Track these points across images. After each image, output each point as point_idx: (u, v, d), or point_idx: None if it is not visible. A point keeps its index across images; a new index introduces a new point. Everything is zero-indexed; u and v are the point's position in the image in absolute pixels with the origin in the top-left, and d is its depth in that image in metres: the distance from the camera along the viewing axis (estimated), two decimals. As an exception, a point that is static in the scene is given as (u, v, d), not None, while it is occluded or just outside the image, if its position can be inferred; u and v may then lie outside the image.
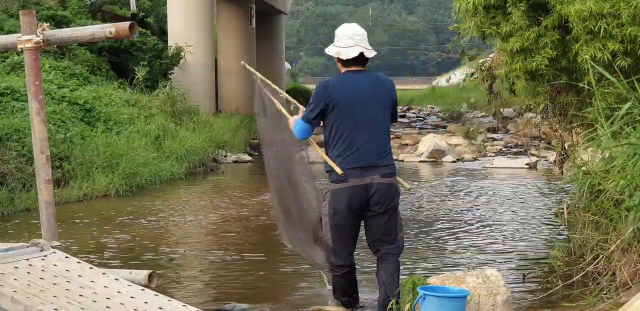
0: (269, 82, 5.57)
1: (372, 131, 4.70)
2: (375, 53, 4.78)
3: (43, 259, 3.61)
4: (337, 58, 4.78)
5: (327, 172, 4.76)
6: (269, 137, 5.57)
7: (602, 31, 6.03)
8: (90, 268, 3.64)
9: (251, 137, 18.75)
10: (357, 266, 5.00)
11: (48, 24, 4.05)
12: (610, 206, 5.17)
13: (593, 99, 6.17)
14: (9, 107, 11.24)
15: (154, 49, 18.08)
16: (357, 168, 4.63)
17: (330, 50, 4.79)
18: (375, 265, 4.90)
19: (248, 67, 6.03)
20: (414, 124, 33.87)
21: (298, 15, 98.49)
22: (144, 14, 22.96)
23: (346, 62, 4.75)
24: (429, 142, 17.21)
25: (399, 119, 33.98)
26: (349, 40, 4.71)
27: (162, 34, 21.40)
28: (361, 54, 4.69)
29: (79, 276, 3.50)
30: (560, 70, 6.67)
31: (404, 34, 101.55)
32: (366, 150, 4.66)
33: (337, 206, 4.69)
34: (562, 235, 7.19)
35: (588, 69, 6.06)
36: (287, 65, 51.56)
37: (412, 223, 8.62)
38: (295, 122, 4.93)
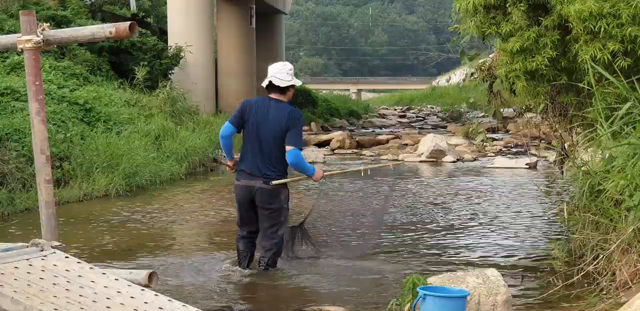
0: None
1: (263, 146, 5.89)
2: (290, 83, 5.89)
3: (43, 259, 3.61)
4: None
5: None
6: None
7: (602, 31, 6.03)
8: (90, 268, 3.63)
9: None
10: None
11: (48, 24, 4.03)
12: (610, 206, 5.17)
13: (593, 99, 6.17)
14: (9, 107, 11.24)
15: (154, 49, 18.08)
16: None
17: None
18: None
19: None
20: (414, 124, 33.89)
21: (298, 15, 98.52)
22: (144, 14, 22.98)
23: (266, 89, 5.98)
24: (429, 142, 17.21)
25: (399, 119, 33.71)
26: (269, 74, 5.94)
27: (162, 34, 21.41)
28: (270, 82, 5.88)
29: (79, 276, 3.50)
30: (560, 70, 6.67)
31: (404, 34, 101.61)
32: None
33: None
34: (562, 235, 7.19)
35: (588, 69, 6.06)
36: (287, 65, 51.43)
37: (411, 223, 8.62)
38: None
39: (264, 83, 5.92)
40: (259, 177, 5.88)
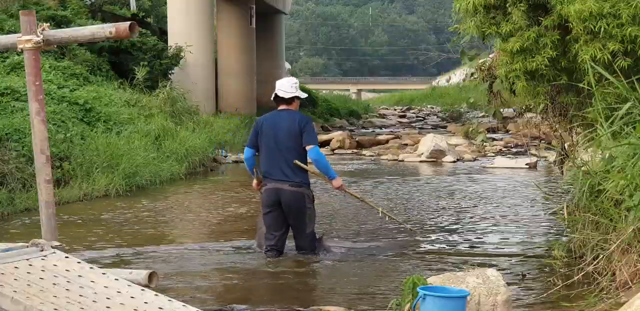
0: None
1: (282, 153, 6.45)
2: (294, 95, 6.54)
3: (43, 259, 3.61)
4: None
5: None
6: None
7: (602, 31, 6.03)
8: (91, 268, 3.63)
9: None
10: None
11: (48, 24, 4.03)
12: (610, 206, 5.17)
13: (593, 99, 6.17)
14: (9, 107, 11.24)
15: (154, 49, 18.08)
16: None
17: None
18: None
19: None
20: (414, 124, 33.90)
21: (298, 15, 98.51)
22: (144, 14, 22.97)
23: (275, 103, 6.66)
24: (429, 142, 17.21)
25: (399, 119, 33.90)
26: (276, 88, 6.61)
27: (162, 34, 21.40)
28: (276, 94, 6.55)
29: (79, 276, 3.50)
30: (560, 70, 6.67)
31: (404, 34, 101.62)
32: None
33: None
34: (562, 235, 7.19)
35: (588, 69, 6.06)
36: (287, 65, 51.52)
37: (411, 223, 8.62)
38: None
39: (273, 97, 6.63)
40: (285, 181, 6.44)
